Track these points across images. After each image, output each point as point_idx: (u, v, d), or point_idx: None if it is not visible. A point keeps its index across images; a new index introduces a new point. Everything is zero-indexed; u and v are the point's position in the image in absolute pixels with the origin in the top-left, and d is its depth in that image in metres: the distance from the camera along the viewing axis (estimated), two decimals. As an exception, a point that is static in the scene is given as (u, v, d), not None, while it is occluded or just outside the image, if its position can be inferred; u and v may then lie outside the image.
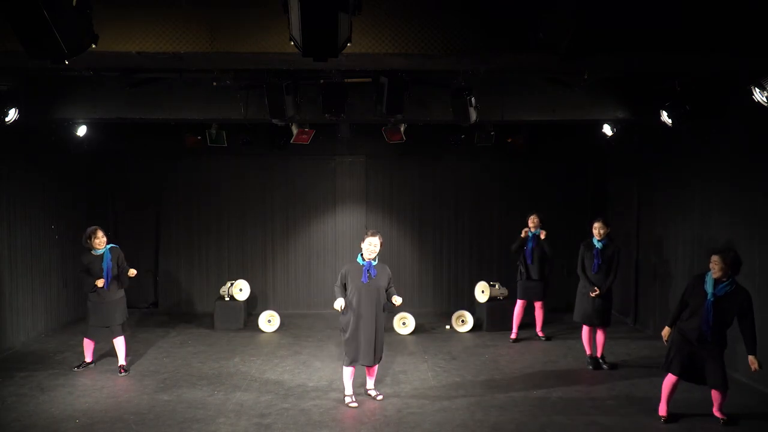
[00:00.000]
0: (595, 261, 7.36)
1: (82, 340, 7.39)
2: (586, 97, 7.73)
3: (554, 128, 10.06)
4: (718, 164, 7.42)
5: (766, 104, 5.66)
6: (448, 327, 9.70)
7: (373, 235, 6.24)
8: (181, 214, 10.95)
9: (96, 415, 5.92)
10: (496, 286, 9.60)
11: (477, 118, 7.04)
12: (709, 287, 5.62)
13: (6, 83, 6.56)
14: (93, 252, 7.06)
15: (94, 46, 3.93)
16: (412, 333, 9.31)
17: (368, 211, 11.08)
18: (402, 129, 9.17)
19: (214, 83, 7.27)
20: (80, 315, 10.05)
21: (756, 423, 5.79)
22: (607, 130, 8.78)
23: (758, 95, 5.67)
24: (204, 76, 7.16)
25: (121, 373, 7.19)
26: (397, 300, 6.21)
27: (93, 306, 7.11)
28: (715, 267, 5.62)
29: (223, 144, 9.34)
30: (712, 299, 5.57)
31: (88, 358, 7.37)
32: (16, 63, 5.02)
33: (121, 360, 7.30)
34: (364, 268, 6.13)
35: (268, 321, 9.61)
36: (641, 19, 4.32)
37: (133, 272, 7.21)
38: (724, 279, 5.59)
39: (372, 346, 6.09)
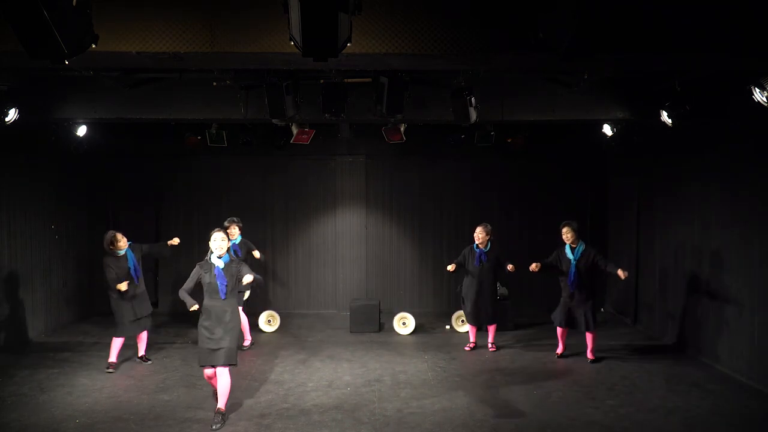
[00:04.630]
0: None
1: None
2: (586, 97, 7.72)
3: (554, 128, 10.05)
4: (718, 164, 7.41)
5: (766, 104, 5.65)
6: (448, 327, 9.70)
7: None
8: (181, 213, 10.96)
9: (96, 415, 5.92)
10: (496, 286, 9.59)
11: (477, 118, 7.03)
12: (570, 254, 7.47)
13: (6, 83, 6.56)
14: (116, 254, 7.31)
15: (94, 46, 3.92)
16: (412, 333, 9.32)
17: (368, 211, 11.09)
18: (402, 129, 9.16)
19: (214, 83, 7.27)
20: (80, 315, 10.07)
21: (756, 423, 5.78)
22: (607, 130, 8.78)
23: (758, 95, 5.66)
24: (204, 76, 7.16)
25: (145, 362, 7.63)
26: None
27: (123, 301, 7.29)
28: (568, 236, 7.45)
29: (223, 144, 9.33)
30: (574, 263, 7.41)
31: (114, 359, 7.39)
32: (16, 63, 5.02)
33: (142, 351, 7.73)
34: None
35: (268, 321, 9.61)
36: (641, 19, 4.32)
37: (176, 240, 7.87)
38: (575, 245, 7.46)
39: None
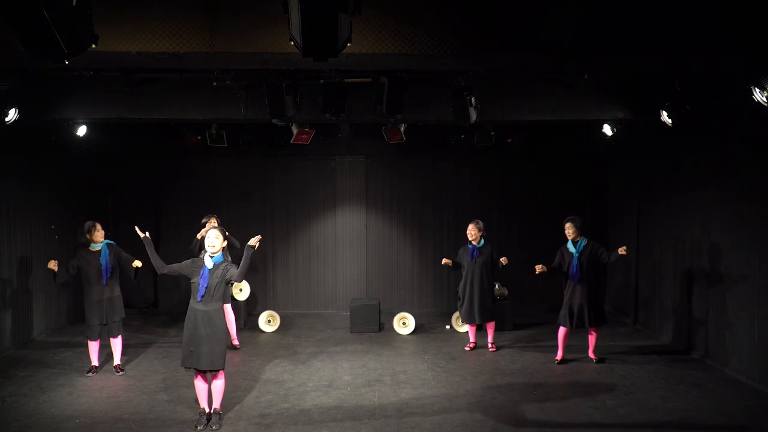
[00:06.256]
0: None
1: (86, 343, 7.29)
2: (586, 97, 7.72)
3: (554, 128, 10.06)
4: (718, 164, 7.42)
5: (766, 104, 5.65)
6: (448, 327, 9.70)
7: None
8: (181, 213, 10.94)
9: (96, 415, 5.92)
10: (496, 286, 9.59)
11: (477, 118, 7.04)
12: (572, 248, 7.39)
13: (6, 83, 6.56)
14: (90, 248, 7.06)
15: (94, 46, 3.92)
16: (412, 333, 9.32)
17: (368, 211, 11.09)
18: (402, 129, 9.16)
19: (214, 83, 7.27)
20: (80, 315, 10.04)
21: (756, 423, 5.78)
22: (607, 130, 8.78)
23: (758, 95, 5.67)
24: (204, 76, 7.16)
25: (117, 372, 7.17)
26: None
27: (90, 304, 7.08)
28: (570, 231, 7.41)
29: (223, 144, 9.32)
30: (577, 255, 7.32)
31: (95, 362, 7.24)
32: (16, 63, 5.03)
33: (117, 360, 7.27)
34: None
35: (268, 321, 9.61)
36: (642, 20, 4.32)
37: (138, 263, 7.07)
38: (577, 240, 7.39)
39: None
